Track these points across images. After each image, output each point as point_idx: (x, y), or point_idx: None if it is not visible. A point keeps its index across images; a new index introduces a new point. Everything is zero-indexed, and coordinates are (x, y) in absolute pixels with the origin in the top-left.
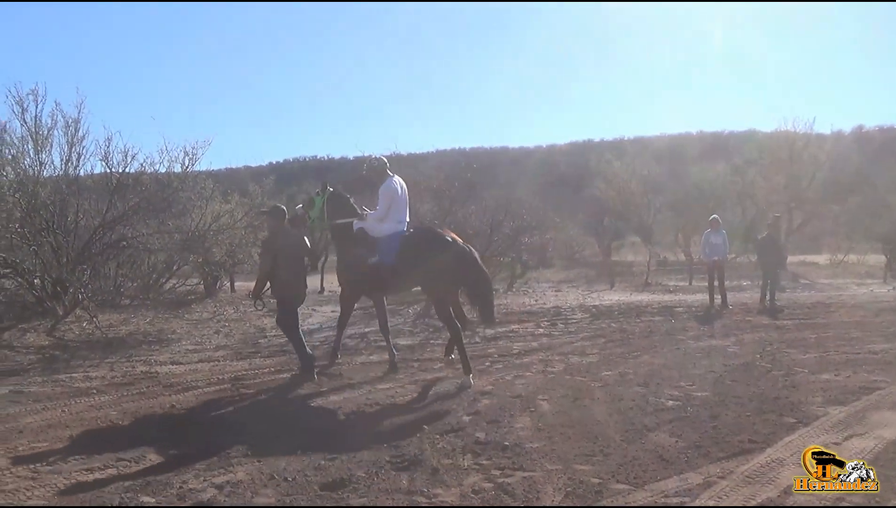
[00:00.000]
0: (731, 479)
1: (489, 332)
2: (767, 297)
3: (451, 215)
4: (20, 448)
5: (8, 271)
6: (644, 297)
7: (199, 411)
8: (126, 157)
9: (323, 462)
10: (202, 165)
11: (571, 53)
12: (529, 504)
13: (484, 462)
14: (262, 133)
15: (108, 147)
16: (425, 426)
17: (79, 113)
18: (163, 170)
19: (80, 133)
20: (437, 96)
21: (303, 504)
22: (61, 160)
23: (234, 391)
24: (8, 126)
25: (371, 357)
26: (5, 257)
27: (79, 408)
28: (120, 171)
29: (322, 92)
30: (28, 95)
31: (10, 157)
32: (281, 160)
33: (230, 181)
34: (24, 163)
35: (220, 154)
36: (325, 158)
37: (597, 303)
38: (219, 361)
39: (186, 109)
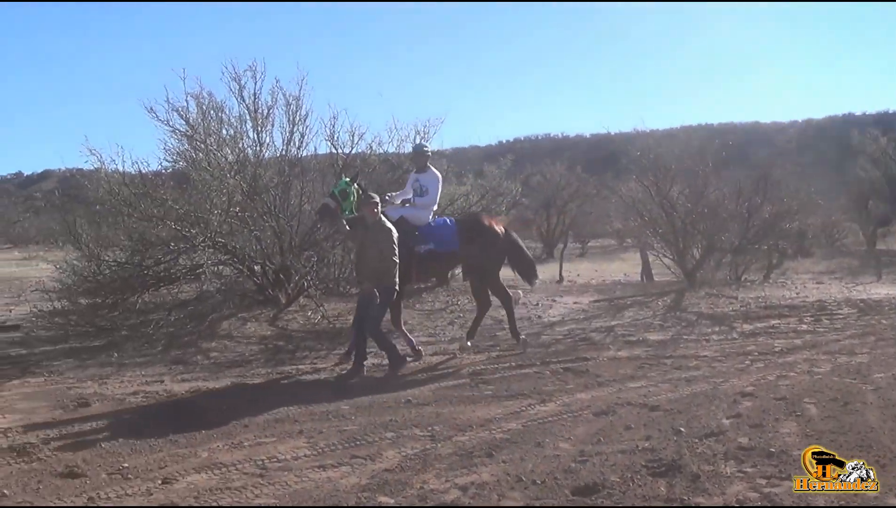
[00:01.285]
0: None
1: (747, 327)
2: None
3: (703, 199)
4: (246, 444)
5: (227, 257)
6: None
7: (436, 406)
8: (353, 136)
9: (573, 465)
10: (433, 145)
11: (829, 23)
12: None
13: (748, 469)
14: (490, 111)
15: (333, 126)
16: (682, 429)
17: (300, 90)
18: (392, 150)
19: (303, 111)
20: (682, 69)
21: None
22: (283, 140)
23: (472, 386)
24: (225, 105)
25: (620, 353)
26: (225, 242)
27: (307, 401)
28: (347, 151)
29: (556, 66)
30: (245, 71)
31: (228, 137)
32: (511, 139)
33: (461, 162)
34: (243, 143)
35: (448, 133)
36: (560, 136)
37: (864, 297)
38: (454, 354)
39: (415, 84)
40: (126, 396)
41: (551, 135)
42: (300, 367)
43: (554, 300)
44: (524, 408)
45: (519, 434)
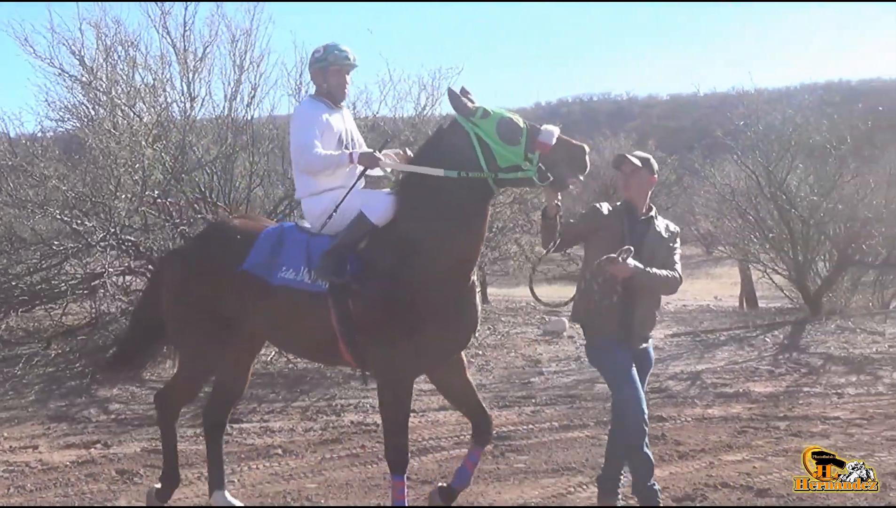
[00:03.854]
0: None
1: None
2: None
3: (836, 190)
4: None
5: (139, 263)
6: None
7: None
8: None
9: None
10: (440, 107)
11: None
12: None
13: None
14: (525, 61)
15: (300, 75)
16: None
17: (252, 21)
18: (385, 112)
19: (256, 52)
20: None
21: None
22: (225, 95)
23: (497, 456)
24: (140, 39)
25: (710, 410)
26: (136, 241)
27: (255, 477)
28: None
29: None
30: None
31: (144, 86)
32: (554, 101)
33: None
34: (166, 96)
35: (474, 89)
36: (624, 97)
37: None
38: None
39: (422, 21)
40: None
41: (612, 96)
42: (244, 426)
43: None
44: (572, 489)
45: None
